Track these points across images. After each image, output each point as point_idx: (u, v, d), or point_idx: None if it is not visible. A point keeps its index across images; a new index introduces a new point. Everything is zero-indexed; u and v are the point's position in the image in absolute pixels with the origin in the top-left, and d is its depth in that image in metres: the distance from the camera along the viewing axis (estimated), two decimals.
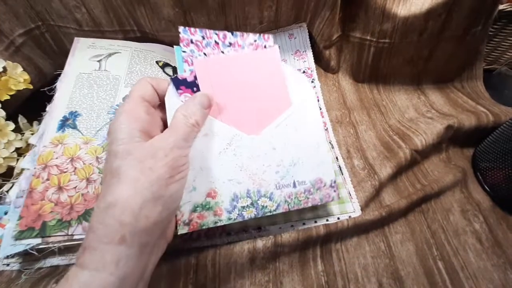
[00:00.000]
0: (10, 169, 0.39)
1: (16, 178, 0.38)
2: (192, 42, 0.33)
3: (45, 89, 0.41)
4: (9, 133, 0.38)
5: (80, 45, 0.43)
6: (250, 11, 0.46)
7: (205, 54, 0.33)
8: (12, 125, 0.39)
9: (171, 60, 0.48)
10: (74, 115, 0.38)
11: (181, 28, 0.32)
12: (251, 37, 0.34)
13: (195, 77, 0.31)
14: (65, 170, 0.35)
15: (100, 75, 0.41)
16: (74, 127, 0.38)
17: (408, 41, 0.44)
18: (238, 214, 0.31)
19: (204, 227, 0.30)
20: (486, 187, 0.40)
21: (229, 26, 0.48)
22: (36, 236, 0.30)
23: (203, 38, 0.33)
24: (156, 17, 0.45)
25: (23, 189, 0.35)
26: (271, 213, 0.32)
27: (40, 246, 0.34)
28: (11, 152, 0.38)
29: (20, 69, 0.41)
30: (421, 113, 0.46)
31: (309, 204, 0.32)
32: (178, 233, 0.29)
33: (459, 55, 0.47)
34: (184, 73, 0.32)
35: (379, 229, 0.35)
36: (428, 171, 0.41)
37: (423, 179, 0.40)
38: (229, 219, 0.31)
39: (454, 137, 0.43)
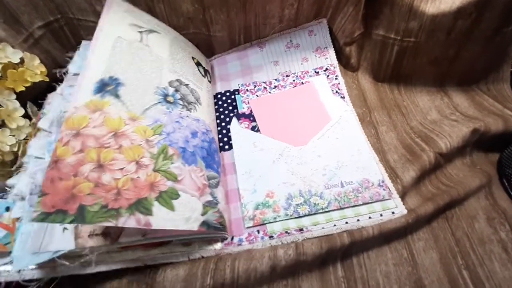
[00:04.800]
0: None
1: (20, 169, 0.33)
2: (247, 90, 0.49)
3: (57, 71, 0.40)
4: (18, 118, 0.37)
5: (116, 6, 0.38)
6: (271, 9, 0.45)
7: (257, 95, 0.48)
8: (21, 110, 0.38)
9: (201, 62, 0.48)
10: (115, 82, 0.33)
11: (239, 84, 0.49)
12: (290, 78, 0.49)
13: (251, 111, 0.46)
14: (106, 145, 0.28)
15: (143, 48, 0.38)
16: (117, 96, 0.32)
17: (434, 40, 0.42)
18: (294, 211, 0.36)
19: (265, 222, 0.36)
20: None
21: (248, 26, 0.48)
22: (71, 222, 0.23)
23: (255, 86, 0.49)
24: (174, 13, 0.44)
25: (39, 183, 0.30)
26: (323, 210, 0.36)
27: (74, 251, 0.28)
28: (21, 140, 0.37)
29: (37, 61, 0.41)
30: (444, 115, 0.45)
31: (359, 202, 0.36)
32: (245, 226, 0.35)
33: (486, 56, 0.45)
34: (243, 109, 0.47)
35: (402, 236, 0.34)
36: (452, 175, 0.40)
37: (447, 182, 0.39)
38: (286, 214, 0.36)
39: (479, 141, 0.42)
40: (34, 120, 0.39)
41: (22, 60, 0.39)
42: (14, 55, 0.38)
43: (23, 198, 0.30)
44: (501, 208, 0.37)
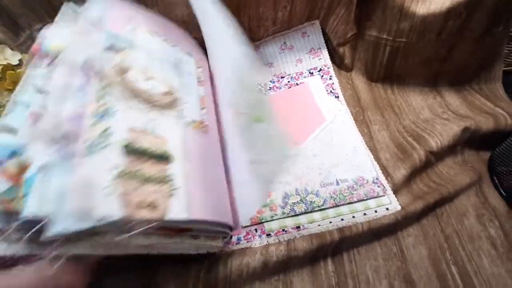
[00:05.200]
0: None
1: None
2: None
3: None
4: None
5: None
6: (264, 11, 0.45)
7: None
8: None
9: None
10: None
11: None
12: (285, 79, 0.50)
13: None
14: None
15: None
16: None
17: (425, 40, 0.43)
18: (291, 209, 0.37)
19: (263, 221, 0.36)
20: (503, 192, 0.39)
21: (242, 29, 0.48)
22: None
23: None
24: (168, 17, 0.45)
25: (69, 130, 0.22)
26: (319, 208, 0.37)
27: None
28: None
29: None
30: (436, 114, 0.45)
31: (355, 199, 0.37)
32: (243, 225, 0.35)
33: (478, 56, 0.45)
34: None
35: (392, 232, 0.35)
36: (443, 173, 0.40)
37: (438, 180, 0.39)
38: (283, 213, 0.37)
39: (470, 140, 0.42)
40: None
41: (20, 62, 0.40)
42: (12, 57, 0.39)
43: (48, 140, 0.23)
44: (491, 205, 0.37)
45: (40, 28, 0.44)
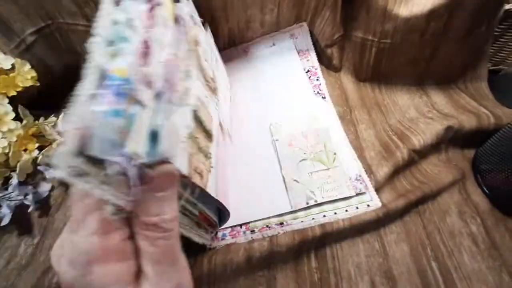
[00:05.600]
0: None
1: None
2: None
3: None
4: (9, 122, 0.39)
5: None
6: (252, 14, 0.46)
7: None
8: (12, 114, 0.39)
9: None
10: None
11: None
12: None
13: None
14: None
15: None
16: None
17: (409, 41, 0.44)
18: None
19: None
20: (486, 190, 0.39)
21: (231, 31, 0.49)
22: None
23: None
24: None
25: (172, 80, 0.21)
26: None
27: None
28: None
29: (28, 66, 0.43)
30: (422, 113, 0.46)
31: (338, 196, 0.37)
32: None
33: (462, 56, 0.46)
34: None
35: (374, 229, 0.36)
36: (427, 171, 0.41)
37: (421, 177, 0.40)
38: None
39: (454, 138, 0.43)
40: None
41: (13, 66, 0.41)
42: (5, 61, 0.40)
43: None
44: (473, 202, 0.38)
45: (33, 33, 0.45)
